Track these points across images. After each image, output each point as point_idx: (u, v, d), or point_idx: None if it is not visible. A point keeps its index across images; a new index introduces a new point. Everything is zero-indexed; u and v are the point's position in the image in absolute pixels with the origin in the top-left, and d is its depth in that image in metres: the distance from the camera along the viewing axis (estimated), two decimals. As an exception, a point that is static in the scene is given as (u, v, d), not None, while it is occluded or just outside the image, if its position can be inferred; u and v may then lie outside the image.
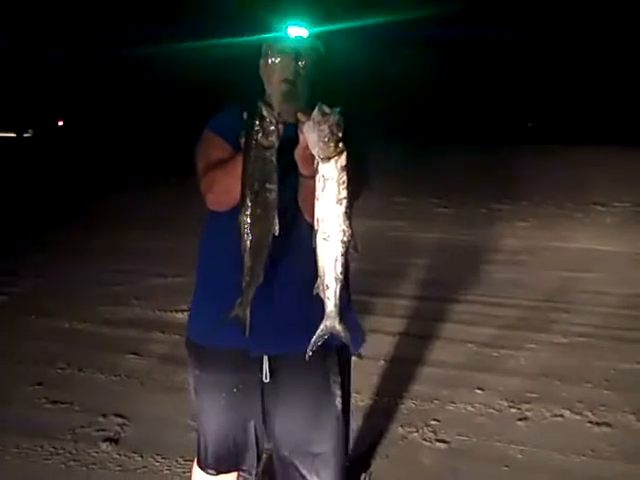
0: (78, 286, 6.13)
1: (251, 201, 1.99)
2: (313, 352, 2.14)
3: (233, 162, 2.10)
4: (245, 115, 2.00)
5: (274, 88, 2.33)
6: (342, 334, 2.08)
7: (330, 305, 2.02)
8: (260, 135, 1.97)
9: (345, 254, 1.98)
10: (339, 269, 1.98)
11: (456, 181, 10.18)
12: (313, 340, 2.09)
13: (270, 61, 2.34)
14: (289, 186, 2.17)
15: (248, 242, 2.01)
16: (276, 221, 2.01)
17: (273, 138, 1.97)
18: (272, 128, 1.96)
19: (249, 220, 1.99)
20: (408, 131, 12.77)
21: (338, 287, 2.00)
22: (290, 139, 2.03)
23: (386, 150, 10.51)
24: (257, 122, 1.97)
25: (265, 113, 1.97)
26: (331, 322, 2.04)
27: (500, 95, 14.66)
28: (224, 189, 2.13)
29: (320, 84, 2.38)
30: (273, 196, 1.99)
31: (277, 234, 2.02)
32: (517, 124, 13.72)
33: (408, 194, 9.58)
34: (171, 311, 5.37)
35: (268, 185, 1.99)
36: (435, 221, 8.52)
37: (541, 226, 8.25)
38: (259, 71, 2.40)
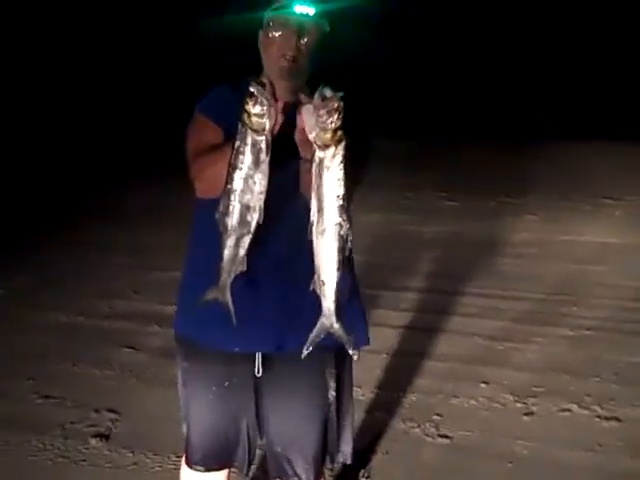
0: (77, 280, 6.02)
1: (234, 189, 1.85)
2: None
3: (223, 148, 1.98)
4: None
5: (272, 63, 2.20)
6: (339, 334, 1.96)
7: (326, 303, 1.91)
8: (248, 116, 1.83)
9: (343, 249, 1.86)
10: (336, 265, 1.86)
11: (464, 174, 10.03)
12: (310, 339, 1.97)
13: (270, 34, 2.19)
14: (287, 170, 2.05)
15: (228, 233, 1.89)
16: (261, 210, 1.88)
17: (264, 120, 1.82)
18: (263, 109, 1.82)
19: (231, 210, 1.87)
20: (413, 122, 12.60)
21: (335, 284, 1.88)
22: (289, 118, 1.90)
23: (391, 143, 10.39)
24: (246, 102, 1.83)
25: (255, 91, 1.83)
26: (327, 321, 1.92)
27: (509, 87, 14.49)
28: (214, 177, 1.98)
29: (321, 65, 2.26)
30: (261, 184, 1.86)
31: (261, 223, 1.89)
32: (527, 119, 13.55)
33: (415, 187, 9.43)
34: (170, 304, 5.20)
35: (255, 172, 1.85)
36: (443, 214, 8.37)
37: (550, 219, 8.09)
38: (257, 45, 2.26)
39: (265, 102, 1.82)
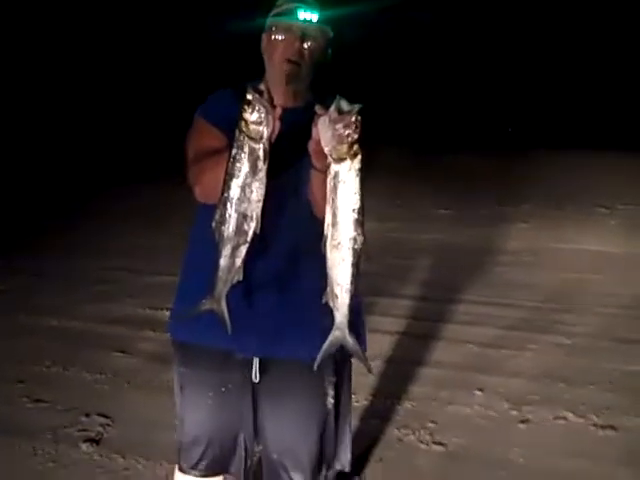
0: (72, 284, 5.99)
1: (231, 198, 1.82)
2: (308, 351, 2.03)
3: (223, 154, 1.94)
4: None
5: (274, 67, 2.18)
6: (352, 346, 1.94)
7: (339, 316, 1.87)
8: (245, 124, 1.79)
9: (357, 263, 1.82)
10: (349, 279, 1.83)
11: (458, 183, 10.05)
12: (322, 352, 1.94)
13: (273, 37, 2.17)
14: (286, 178, 2.04)
15: (224, 242, 1.86)
16: (258, 219, 1.85)
17: (262, 127, 1.79)
18: (260, 116, 1.78)
19: (227, 219, 1.84)
20: (409, 131, 12.64)
21: (348, 297, 1.84)
22: (291, 124, 1.88)
23: (387, 151, 10.40)
24: (243, 109, 1.80)
25: (252, 98, 1.79)
26: (340, 333, 1.89)
27: (502, 97, 14.52)
28: (213, 182, 1.94)
29: (324, 71, 2.24)
30: (259, 193, 1.82)
31: (258, 232, 1.86)
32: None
33: (408, 196, 9.45)
34: (163, 309, 5.18)
35: (253, 181, 1.81)
36: (436, 222, 8.37)
37: (543, 228, 8.10)
38: (260, 48, 2.24)
39: (262, 109, 1.78)
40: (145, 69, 14.03)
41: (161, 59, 14.13)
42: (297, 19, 2.15)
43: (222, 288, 1.92)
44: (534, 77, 15.23)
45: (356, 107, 1.76)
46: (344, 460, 2.50)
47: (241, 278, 1.92)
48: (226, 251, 1.87)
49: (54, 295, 5.72)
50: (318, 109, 1.81)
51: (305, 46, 2.15)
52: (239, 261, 1.89)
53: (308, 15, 2.15)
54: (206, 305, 1.96)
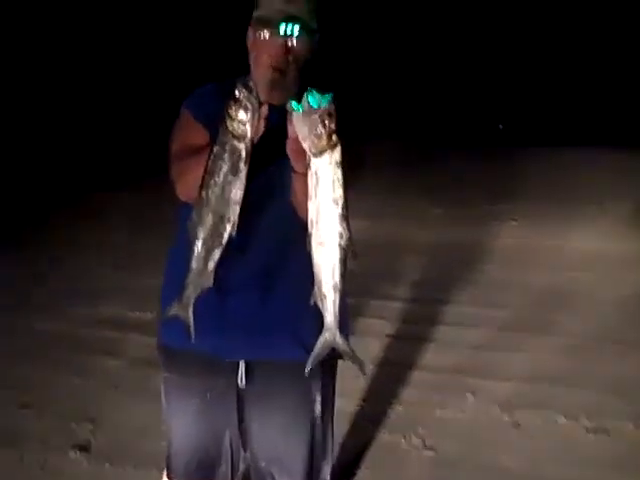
0: (55, 285, 5.93)
1: (209, 197, 1.78)
2: (295, 351, 2.05)
3: (205, 152, 1.91)
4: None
5: (259, 72, 2.10)
6: (343, 347, 1.90)
7: (329, 316, 1.83)
8: (231, 121, 1.75)
9: (344, 260, 1.78)
10: (337, 277, 1.79)
11: (449, 181, 10.02)
12: (313, 356, 1.90)
13: (261, 36, 2.08)
14: (268, 180, 2.00)
15: (198, 243, 1.81)
16: (235, 223, 1.81)
17: (247, 127, 1.75)
18: (247, 114, 1.75)
19: (203, 219, 1.79)
20: (400, 128, 12.61)
21: (337, 296, 1.80)
22: (275, 124, 1.83)
23: (378, 149, 10.34)
24: (229, 106, 1.76)
25: (241, 96, 1.75)
26: (330, 335, 1.85)
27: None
28: (194, 181, 1.89)
29: (310, 71, 2.18)
30: (238, 194, 1.78)
31: (234, 235, 1.81)
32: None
33: (398, 194, 9.42)
34: (150, 312, 5.16)
35: (233, 181, 1.77)
36: (426, 221, 8.35)
37: (536, 226, 8.08)
38: (246, 39, 2.17)
39: (250, 107, 1.74)
40: (139, 69, 13.89)
41: (154, 58, 14.00)
42: (279, 34, 2.06)
43: (191, 293, 1.88)
44: (524, 75, 15.22)
45: (328, 96, 1.73)
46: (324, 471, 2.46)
47: (211, 284, 1.88)
48: (199, 253, 1.83)
49: (38, 297, 5.65)
50: (289, 107, 1.78)
51: (290, 54, 2.08)
52: (212, 265, 1.85)
53: (289, 29, 2.05)
54: (172, 311, 1.92)
